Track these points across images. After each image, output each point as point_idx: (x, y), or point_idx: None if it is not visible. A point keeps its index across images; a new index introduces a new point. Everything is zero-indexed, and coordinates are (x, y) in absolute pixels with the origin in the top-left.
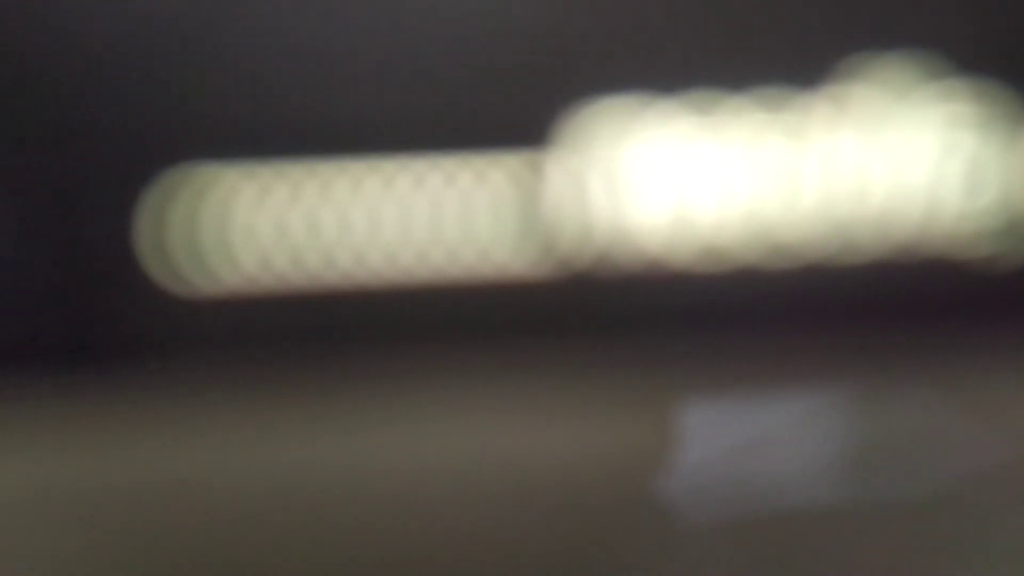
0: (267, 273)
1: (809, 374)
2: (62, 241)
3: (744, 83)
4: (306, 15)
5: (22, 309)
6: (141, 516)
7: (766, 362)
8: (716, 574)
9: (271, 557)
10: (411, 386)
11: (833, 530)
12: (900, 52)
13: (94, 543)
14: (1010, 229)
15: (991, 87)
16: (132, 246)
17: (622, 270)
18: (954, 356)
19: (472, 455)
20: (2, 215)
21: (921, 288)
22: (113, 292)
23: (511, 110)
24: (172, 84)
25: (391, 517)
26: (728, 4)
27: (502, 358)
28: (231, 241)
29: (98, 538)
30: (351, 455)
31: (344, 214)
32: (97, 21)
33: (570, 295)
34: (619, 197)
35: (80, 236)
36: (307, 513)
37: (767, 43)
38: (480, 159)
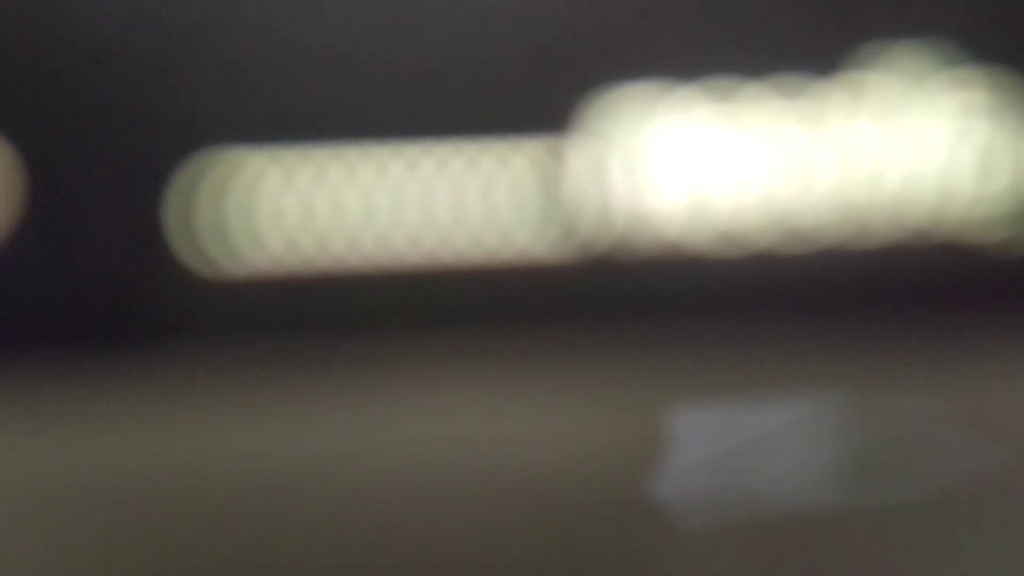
0: (292, 255)
1: (823, 358)
2: (92, 223)
3: (761, 71)
4: (332, 2)
5: (52, 290)
6: (166, 497)
7: (781, 345)
8: None
9: (294, 537)
10: (431, 368)
11: (831, 534)
12: (915, 41)
13: (123, 523)
14: (1022, 214)
15: (1004, 75)
16: (160, 228)
17: (640, 254)
18: (965, 340)
19: (492, 438)
20: (32, 198)
21: (934, 272)
22: (141, 273)
23: (533, 97)
24: (200, 70)
25: (412, 500)
26: None
27: (522, 340)
28: (257, 223)
29: (126, 517)
30: (373, 434)
31: (368, 198)
32: (127, 7)
33: (589, 278)
34: (638, 182)
35: (110, 218)
36: (329, 495)
37: (784, 31)
38: (502, 144)
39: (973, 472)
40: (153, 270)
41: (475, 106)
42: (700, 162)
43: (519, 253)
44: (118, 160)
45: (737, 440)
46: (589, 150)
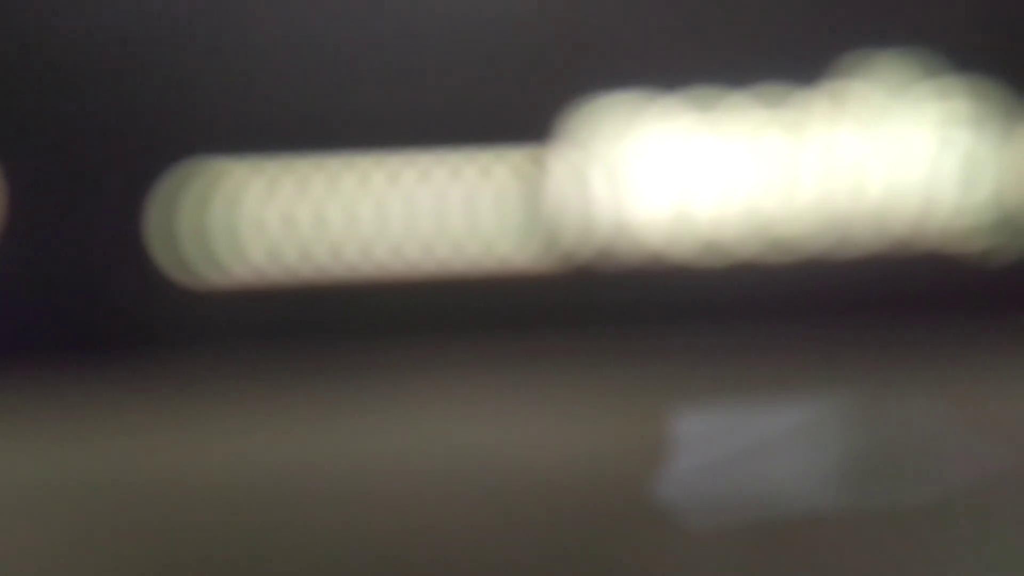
0: (275, 265)
1: (807, 367)
2: (74, 233)
3: (744, 80)
4: (313, 13)
5: (34, 300)
6: (148, 505)
7: (764, 354)
8: None
9: (281, 544)
10: (414, 377)
11: (833, 536)
12: (897, 50)
13: (102, 534)
14: (1004, 223)
15: (986, 84)
16: (143, 238)
17: (623, 264)
18: (948, 348)
19: (473, 447)
20: (14, 208)
21: (917, 281)
22: (124, 283)
23: (515, 106)
24: (182, 80)
25: (395, 508)
26: (729, 2)
27: (505, 350)
28: (240, 234)
29: (106, 529)
30: (355, 445)
31: (351, 207)
32: (110, 18)
33: (572, 288)
34: (621, 192)
35: (92, 228)
36: (310, 505)
37: (767, 41)
38: (485, 154)
39: (961, 475)
40: (135, 280)
41: (458, 116)
42: (683, 171)
43: (502, 263)
44: (100, 170)
45: (736, 444)
46: (572, 160)
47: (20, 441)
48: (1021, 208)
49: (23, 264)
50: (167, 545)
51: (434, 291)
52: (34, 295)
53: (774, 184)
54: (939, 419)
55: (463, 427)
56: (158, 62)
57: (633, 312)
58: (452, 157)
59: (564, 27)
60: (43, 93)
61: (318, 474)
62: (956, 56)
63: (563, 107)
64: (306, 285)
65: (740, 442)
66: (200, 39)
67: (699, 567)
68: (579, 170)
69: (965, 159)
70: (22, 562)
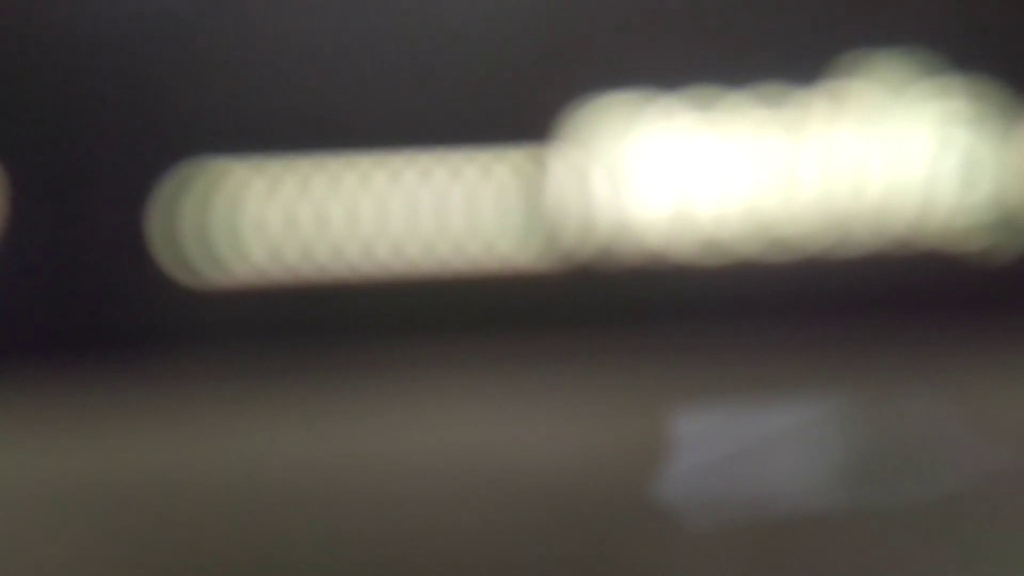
0: (276, 265)
1: (807, 367)
2: (76, 233)
3: (744, 79)
4: (315, 13)
5: (35, 299)
6: (150, 507)
7: (765, 353)
8: None
9: (281, 544)
10: (415, 376)
11: (833, 536)
12: (896, 49)
13: (104, 533)
14: (1004, 223)
15: (985, 83)
16: (144, 238)
17: (624, 263)
18: (948, 347)
19: (473, 447)
20: (17, 209)
21: (916, 280)
22: (125, 283)
23: (516, 106)
24: (184, 80)
25: (395, 507)
26: (729, 2)
27: (506, 349)
28: (241, 233)
29: (108, 528)
30: (355, 444)
31: (352, 207)
32: (112, 17)
33: (573, 287)
34: (621, 191)
35: (94, 228)
36: (312, 504)
37: (766, 40)
38: (485, 154)
39: (961, 474)
40: (137, 280)
41: (458, 115)
42: (683, 171)
43: (502, 262)
44: (102, 170)
45: (735, 444)
46: (572, 159)
47: (21, 441)
48: (1021, 207)
49: (25, 264)
50: (169, 545)
51: (435, 290)
52: (35, 295)
53: (774, 183)
54: (939, 419)
55: (463, 427)
56: (159, 62)
57: (633, 312)
58: (453, 157)
59: (564, 27)
60: (45, 93)
61: (319, 473)
62: (956, 56)
63: (564, 106)
64: (307, 285)
65: (740, 442)
66: (202, 39)
67: (699, 567)
68: (580, 169)
69: (964, 158)
70: (21, 562)
